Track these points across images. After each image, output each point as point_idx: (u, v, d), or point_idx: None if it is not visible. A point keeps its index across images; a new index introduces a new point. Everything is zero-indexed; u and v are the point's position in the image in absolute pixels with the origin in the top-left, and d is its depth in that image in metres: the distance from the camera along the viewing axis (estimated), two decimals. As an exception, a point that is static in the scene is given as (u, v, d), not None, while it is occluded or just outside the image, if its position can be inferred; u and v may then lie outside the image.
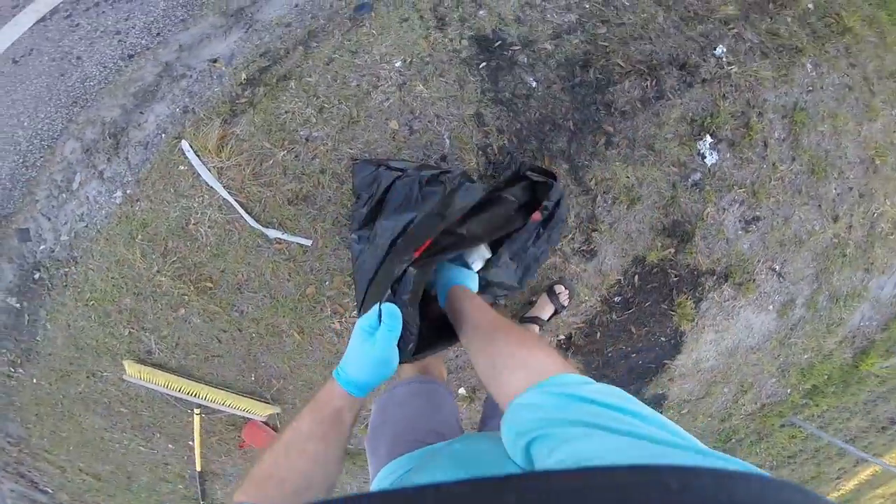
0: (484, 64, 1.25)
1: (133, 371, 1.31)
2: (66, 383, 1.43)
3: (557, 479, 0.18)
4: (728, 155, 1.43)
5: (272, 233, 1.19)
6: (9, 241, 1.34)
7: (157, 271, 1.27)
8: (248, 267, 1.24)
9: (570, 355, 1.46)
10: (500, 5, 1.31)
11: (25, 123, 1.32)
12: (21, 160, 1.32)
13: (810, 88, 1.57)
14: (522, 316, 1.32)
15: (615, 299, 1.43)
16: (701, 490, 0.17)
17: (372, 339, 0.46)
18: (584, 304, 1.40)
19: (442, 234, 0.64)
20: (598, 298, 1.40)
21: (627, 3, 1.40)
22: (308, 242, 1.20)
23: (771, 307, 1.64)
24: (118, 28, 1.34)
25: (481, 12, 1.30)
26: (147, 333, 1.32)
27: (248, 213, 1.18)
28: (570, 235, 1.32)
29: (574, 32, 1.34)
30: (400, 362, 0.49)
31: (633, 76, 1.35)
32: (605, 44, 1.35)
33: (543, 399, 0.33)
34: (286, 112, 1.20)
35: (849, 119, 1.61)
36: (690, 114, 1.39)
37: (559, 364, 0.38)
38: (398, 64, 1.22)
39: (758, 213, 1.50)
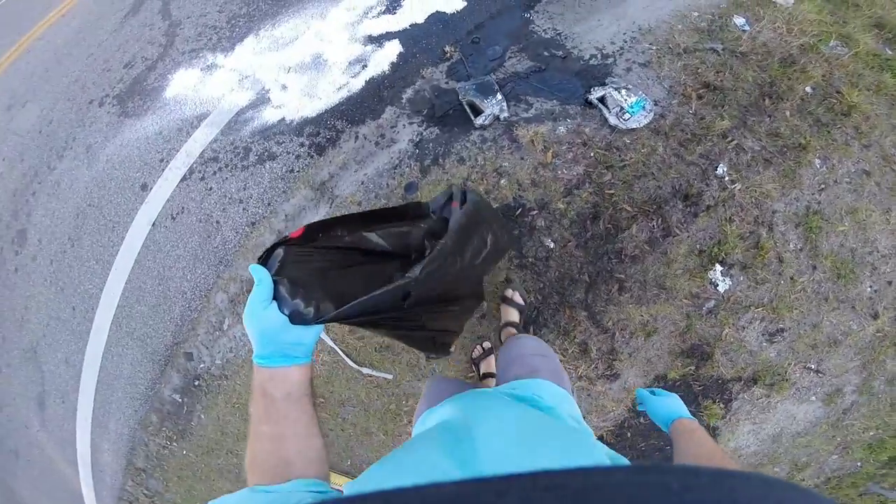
0: (509, 233, 1.62)
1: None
2: (209, 456, 1.95)
3: (560, 479, 0.18)
4: (742, 278, 1.60)
5: (365, 370, 1.70)
6: (177, 359, 1.95)
7: (286, 389, 1.84)
8: (349, 391, 1.77)
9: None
10: (518, 171, 1.66)
11: (188, 276, 1.91)
12: (187, 305, 1.91)
13: (822, 187, 1.62)
14: (498, 327, 1.51)
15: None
16: (701, 490, 0.17)
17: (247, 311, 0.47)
18: (611, 413, 1.66)
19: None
20: (624, 408, 1.65)
21: (628, 141, 1.65)
22: (390, 377, 1.69)
23: (813, 398, 1.71)
24: (240, 197, 1.89)
25: (503, 181, 1.66)
26: (280, 431, 1.90)
27: (348, 356, 1.70)
28: (593, 365, 1.61)
29: (582, 185, 1.64)
30: (307, 322, 0.47)
31: (640, 219, 1.60)
32: (611, 191, 1.62)
33: None
34: (367, 283, 1.70)
35: (872, 209, 1.63)
36: (698, 245, 1.59)
37: None
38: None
39: (781, 326, 1.62)
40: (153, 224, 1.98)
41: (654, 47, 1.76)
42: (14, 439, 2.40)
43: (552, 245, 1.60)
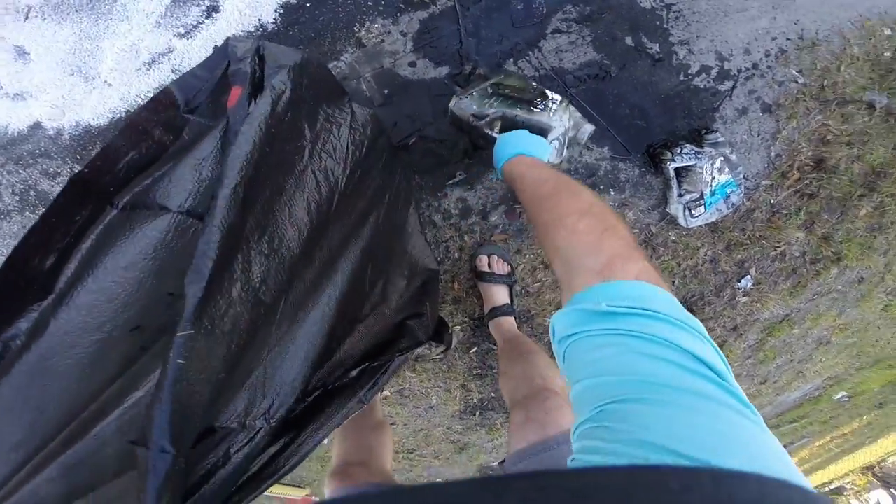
0: (476, 349, 1.28)
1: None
2: None
3: (558, 480, 0.19)
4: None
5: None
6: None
7: None
8: None
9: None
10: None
11: None
12: None
13: (813, 297, 1.52)
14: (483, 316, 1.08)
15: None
16: (701, 490, 0.18)
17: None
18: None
19: None
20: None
21: (673, 238, 1.21)
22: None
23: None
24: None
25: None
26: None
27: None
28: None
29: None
30: None
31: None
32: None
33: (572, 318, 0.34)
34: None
35: (833, 315, 1.67)
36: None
37: (601, 268, 0.36)
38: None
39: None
40: None
41: (801, 80, 0.99)
42: None
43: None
